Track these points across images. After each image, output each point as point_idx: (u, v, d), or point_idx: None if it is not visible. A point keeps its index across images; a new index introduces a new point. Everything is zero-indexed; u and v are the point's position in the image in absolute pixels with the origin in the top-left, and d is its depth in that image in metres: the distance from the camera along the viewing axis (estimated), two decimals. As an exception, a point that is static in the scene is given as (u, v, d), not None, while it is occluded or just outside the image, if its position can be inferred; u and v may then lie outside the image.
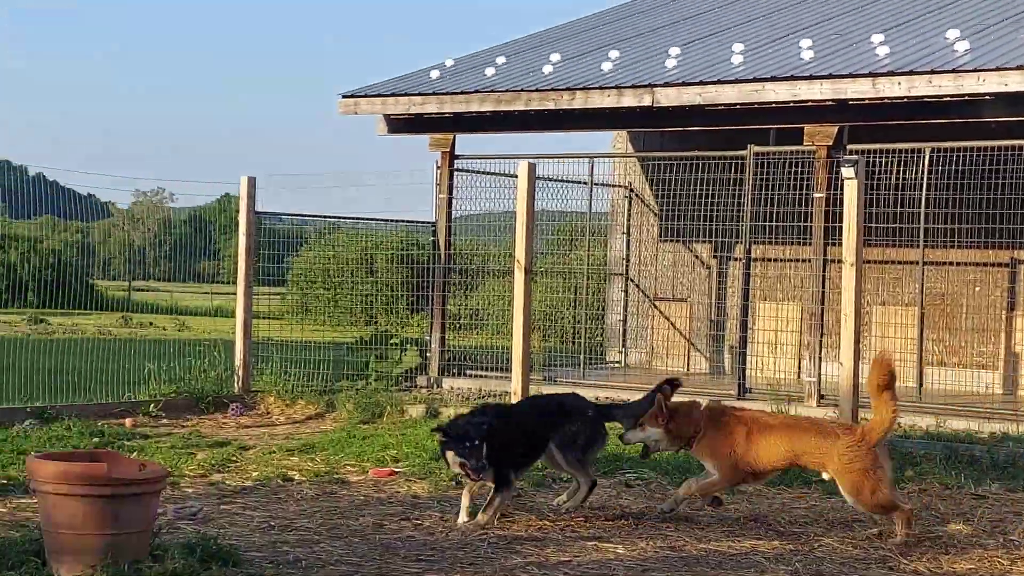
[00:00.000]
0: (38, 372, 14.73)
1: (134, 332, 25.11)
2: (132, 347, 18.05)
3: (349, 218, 19.74)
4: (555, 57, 16.21)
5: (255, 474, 9.70)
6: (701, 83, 14.07)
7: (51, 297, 23.36)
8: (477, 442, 7.82)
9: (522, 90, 15.08)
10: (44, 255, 28.59)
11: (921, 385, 14.56)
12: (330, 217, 19.63)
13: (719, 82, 13.98)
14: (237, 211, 14.94)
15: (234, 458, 10.44)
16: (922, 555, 7.47)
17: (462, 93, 15.41)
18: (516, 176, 13.42)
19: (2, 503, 8.16)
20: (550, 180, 16.48)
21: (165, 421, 12.79)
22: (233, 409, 13.54)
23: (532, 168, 13.04)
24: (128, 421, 12.40)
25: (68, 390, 14.13)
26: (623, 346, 17.80)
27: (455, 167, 16.07)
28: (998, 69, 12.52)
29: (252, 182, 14.50)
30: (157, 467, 6.71)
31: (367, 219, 19.56)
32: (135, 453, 9.89)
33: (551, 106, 14.88)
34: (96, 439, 11.01)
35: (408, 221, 18.99)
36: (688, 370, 16.99)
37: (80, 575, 6.08)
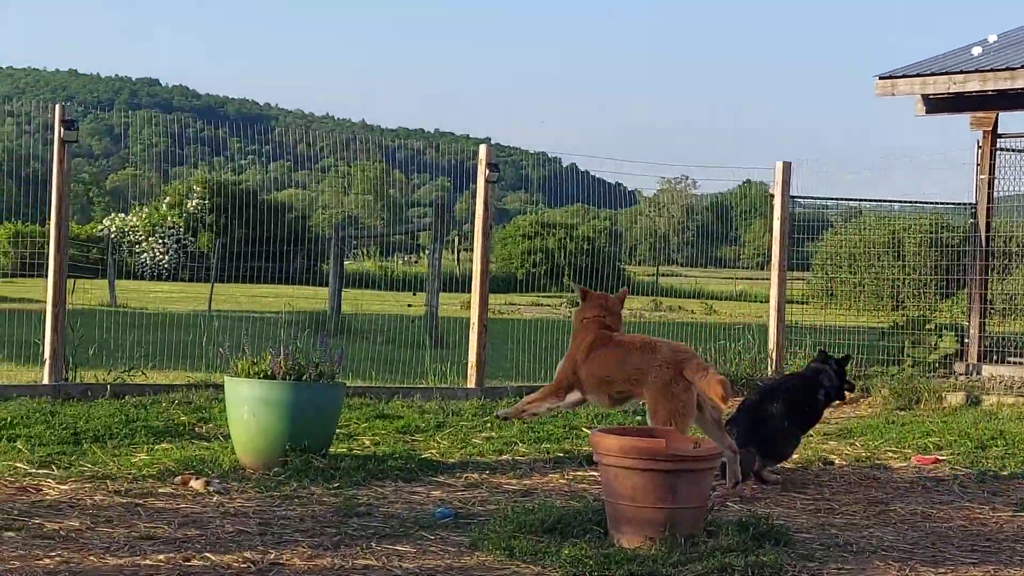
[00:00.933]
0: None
1: (664, 316, 25.74)
2: (665, 330, 18.49)
3: (878, 200, 19.37)
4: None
5: (795, 456, 9.70)
6: None
7: (585, 281, 24.34)
8: None
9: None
10: (578, 241, 29.88)
11: None
12: (857, 200, 19.34)
13: None
14: (770, 196, 14.96)
15: (772, 440, 10.48)
16: None
17: (1007, 69, 14.69)
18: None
19: (560, 474, 8.61)
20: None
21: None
22: (767, 393, 13.59)
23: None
24: (667, 401, 12.73)
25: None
26: None
27: (997, 146, 15.37)
28: None
29: (787, 167, 14.50)
30: (711, 445, 6.87)
31: (895, 202, 19.11)
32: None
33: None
34: (639, 417, 11.39)
35: (940, 203, 18.38)
36: None
37: (639, 546, 6.31)
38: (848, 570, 6.25)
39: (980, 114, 15.31)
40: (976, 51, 15.80)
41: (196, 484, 7.73)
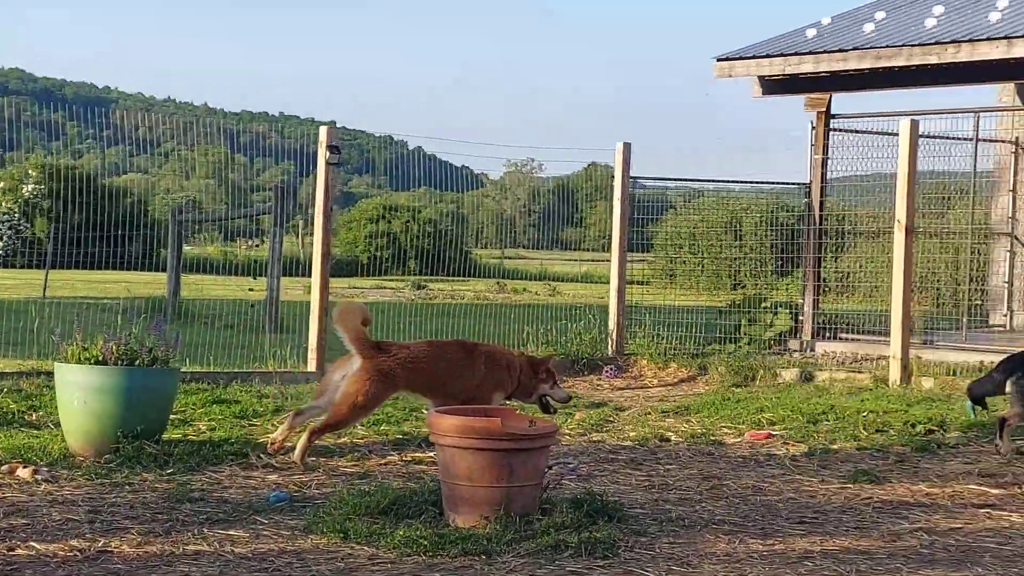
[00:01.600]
0: (423, 335, 15.37)
1: (508, 298, 25.87)
2: (508, 312, 18.59)
3: (718, 181, 19.74)
4: (938, 9, 15.59)
5: (632, 434, 9.83)
6: (1098, 30, 13.23)
7: (430, 264, 24.32)
8: None
9: (903, 45, 14.57)
10: (423, 224, 29.84)
11: None
12: (698, 181, 19.68)
13: (1118, 28, 13.11)
14: (612, 178, 15.13)
15: (611, 418, 10.62)
16: None
17: (839, 51, 15.05)
18: (895, 134, 13.05)
19: (399, 456, 8.58)
20: (930, 137, 15.90)
21: (543, 382, 13.12)
22: (607, 371, 13.76)
23: (915, 126, 12.66)
24: (508, 381, 12.78)
25: (451, 352, 14.66)
26: (1009, 309, 16.99)
27: (831, 127, 15.75)
28: None
29: (627, 148, 14.64)
30: (547, 423, 6.90)
31: (735, 182, 19.48)
32: (519, 412, 10.19)
33: (934, 60, 14.32)
34: (511, 402, 11.40)
35: (777, 183, 18.78)
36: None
37: (475, 525, 6.32)
38: (679, 544, 6.34)
39: (814, 95, 15.67)
40: (810, 33, 16.14)
41: (23, 473, 7.52)
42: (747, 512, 7.13)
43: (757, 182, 18.98)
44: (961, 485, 7.96)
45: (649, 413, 10.97)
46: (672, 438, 9.72)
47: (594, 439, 9.60)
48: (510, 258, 33.89)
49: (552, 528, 6.29)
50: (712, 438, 9.68)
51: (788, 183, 17.59)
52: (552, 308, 18.65)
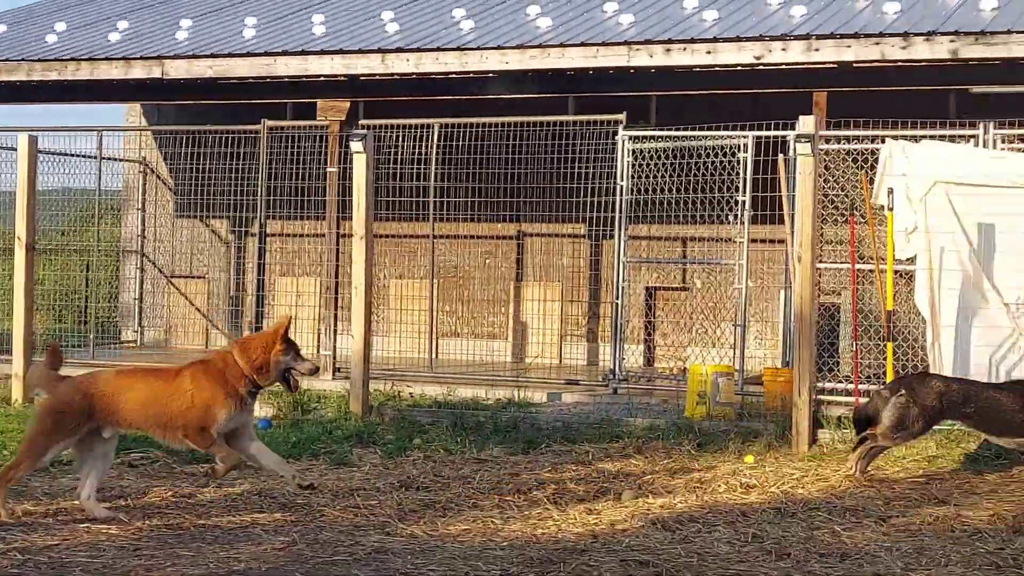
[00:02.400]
0: None
1: None
2: None
3: None
4: (60, 26, 15.56)
5: None
6: (212, 56, 13.85)
7: None
8: None
9: (23, 59, 14.38)
10: None
11: (435, 356, 14.96)
12: None
13: (230, 55, 13.82)
14: None
15: None
16: (419, 519, 7.64)
17: None
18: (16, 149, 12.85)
19: None
20: (58, 154, 15.83)
21: None
22: None
23: (33, 141, 12.57)
24: None
25: None
26: (139, 325, 17.27)
27: None
28: (499, 48, 12.99)
29: None
30: None
31: None
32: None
33: (55, 76, 14.26)
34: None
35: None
36: (207, 347, 16.74)
37: None
38: None
39: None
40: None
41: None
42: None
43: None
44: (67, 502, 7.91)
45: None
46: None
47: None
48: None
49: None
50: None
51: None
52: None
